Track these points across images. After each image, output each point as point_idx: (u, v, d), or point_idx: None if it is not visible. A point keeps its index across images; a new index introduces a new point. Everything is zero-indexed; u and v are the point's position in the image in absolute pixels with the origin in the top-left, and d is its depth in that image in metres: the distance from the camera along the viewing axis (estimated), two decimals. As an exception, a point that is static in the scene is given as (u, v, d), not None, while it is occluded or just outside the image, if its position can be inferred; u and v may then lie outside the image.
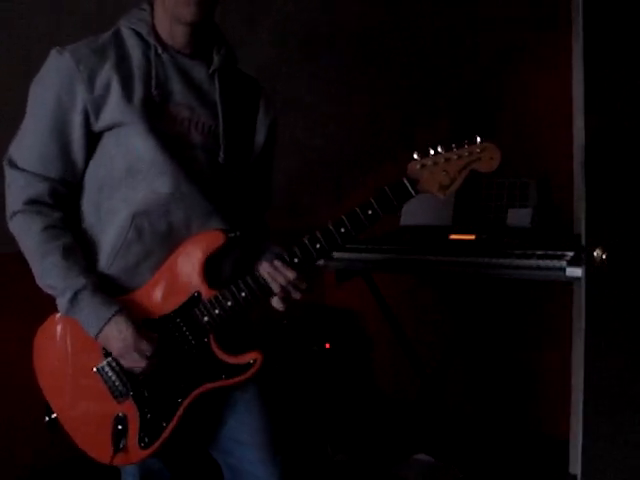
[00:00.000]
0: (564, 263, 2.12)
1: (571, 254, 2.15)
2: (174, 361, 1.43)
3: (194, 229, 1.45)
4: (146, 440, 1.42)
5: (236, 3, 2.16)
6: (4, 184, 1.43)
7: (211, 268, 1.44)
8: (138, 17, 1.46)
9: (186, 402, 1.43)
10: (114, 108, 1.38)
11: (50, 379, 1.48)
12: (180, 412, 1.43)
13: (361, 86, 2.85)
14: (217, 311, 1.42)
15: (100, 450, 1.44)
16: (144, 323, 1.41)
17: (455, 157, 1.37)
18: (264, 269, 1.41)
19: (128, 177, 1.41)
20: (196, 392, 1.43)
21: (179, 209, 1.43)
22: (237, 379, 1.44)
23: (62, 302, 1.38)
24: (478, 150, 1.37)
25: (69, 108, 1.38)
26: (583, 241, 1.81)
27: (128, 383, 1.42)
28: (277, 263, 1.41)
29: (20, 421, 2.40)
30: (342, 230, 1.40)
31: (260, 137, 1.58)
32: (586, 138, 1.85)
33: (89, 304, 1.37)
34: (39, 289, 1.41)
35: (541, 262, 2.19)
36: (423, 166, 1.38)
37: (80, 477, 2.14)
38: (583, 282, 1.85)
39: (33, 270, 1.41)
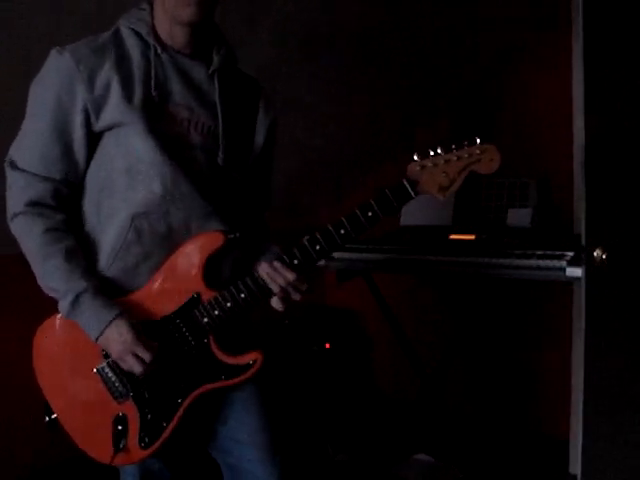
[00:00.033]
0: (564, 263, 2.12)
1: (571, 254, 2.15)
2: (174, 362, 1.43)
3: (193, 230, 1.45)
4: (146, 440, 1.43)
5: (236, 3, 2.16)
6: (4, 185, 1.43)
7: (211, 269, 1.44)
8: (138, 17, 1.46)
9: (186, 402, 1.43)
10: (114, 108, 1.38)
11: (50, 379, 1.48)
12: (180, 412, 1.43)
13: (361, 86, 2.85)
14: (217, 312, 1.42)
15: (100, 450, 1.45)
16: (144, 324, 1.41)
17: (455, 158, 1.37)
18: (263, 270, 1.41)
19: (128, 177, 1.41)
20: (196, 392, 1.43)
21: (178, 210, 1.43)
22: (237, 379, 1.44)
23: (64, 305, 1.39)
24: (478, 151, 1.37)
25: (69, 108, 1.38)
26: (583, 241, 1.81)
27: (128, 384, 1.42)
28: (276, 264, 1.41)
29: (20, 421, 2.40)
30: (342, 232, 1.40)
31: (260, 137, 1.58)
32: (586, 138, 1.85)
33: (90, 307, 1.37)
34: (40, 290, 1.41)
35: (541, 262, 2.19)
36: (423, 167, 1.38)
37: (80, 477, 2.14)
38: (583, 282, 1.85)
39: (35, 272, 1.41)
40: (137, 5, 1.49)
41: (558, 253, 2.19)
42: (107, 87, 1.39)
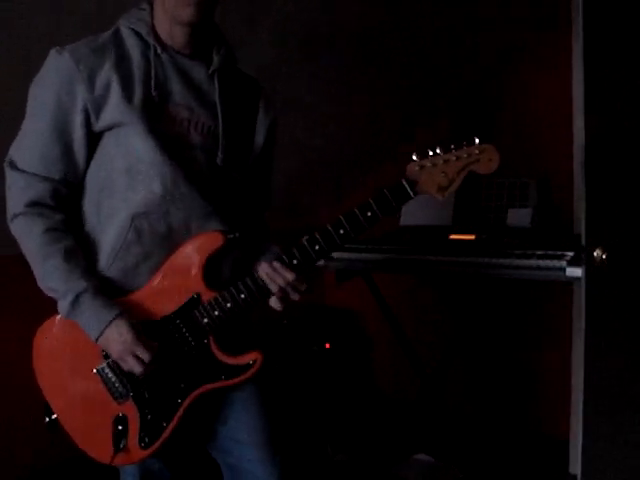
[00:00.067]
0: (564, 263, 2.12)
1: (571, 254, 2.15)
2: (174, 362, 1.43)
3: (193, 230, 1.45)
4: (146, 440, 1.43)
5: (236, 3, 2.16)
6: (4, 186, 1.43)
7: (210, 269, 1.45)
8: (138, 17, 1.46)
9: (186, 403, 1.43)
10: (114, 108, 1.38)
11: (50, 380, 1.48)
12: (180, 412, 1.43)
13: (361, 86, 2.85)
14: (216, 312, 1.42)
15: (100, 450, 1.45)
16: (144, 324, 1.41)
17: (454, 158, 1.37)
18: (263, 270, 1.41)
19: (128, 178, 1.41)
20: (196, 393, 1.43)
21: (178, 210, 1.43)
22: (237, 380, 1.44)
23: (63, 305, 1.39)
24: (477, 151, 1.37)
25: (69, 108, 1.38)
26: (583, 241, 1.81)
27: (128, 384, 1.42)
28: (276, 264, 1.41)
29: (20, 421, 2.40)
30: (341, 231, 1.40)
31: (260, 137, 1.58)
32: (586, 138, 1.85)
33: (90, 307, 1.37)
34: (40, 290, 1.41)
35: (541, 262, 2.19)
36: (422, 167, 1.38)
37: (80, 477, 2.14)
38: (583, 282, 1.85)
39: (34, 272, 1.41)
40: (137, 5, 1.49)
41: (558, 253, 2.19)
42: (107, 87, 1.39)
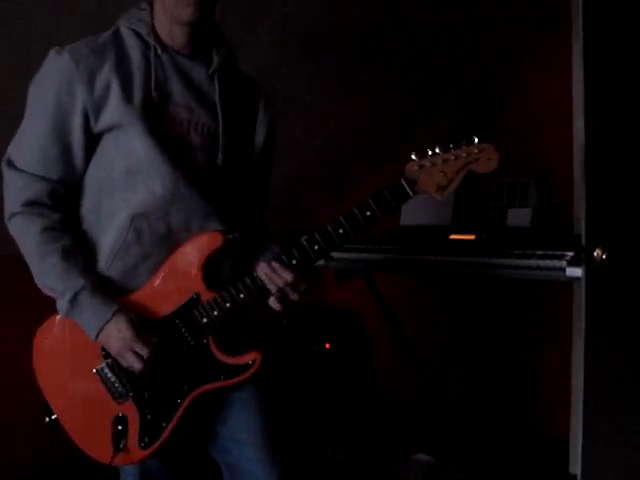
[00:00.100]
0: (564, 263, 2.12)
1: (571, 254, 2.15)
2: (173, 362, 1.43)
3: (193, 230, 1.45)
4: (146, 440, 1.43)
5: (236, 3, 2.16)
6: (3, 185, 1.43)
7: (210, 269, 1.45)
8: (138, 17, 1.46)
9: (185, 402, 1.43)
10: (114, 110, 1.38)
11: (50, 380, 1.48)
12: (180, 412, 1.43)
13: (361, 86, 2.85)
14: (216, 313, 1.42)
15: (100, 450, 1.45)
16: (143, 324, 1.41)
17: (453, 158, 1.37)
18: (261, 270, 1.41)
19: (128, 179, 1.41)
20: (195, 393, 1.43)
21: (178, 211, 1.43)
22: (236, 380, 1.44)
23: (62, 304, 1.39)
24: (476, 151, 1.37)
25: (69, 109, 1.38)
26: (583, 241, 1.81)
27: (128, 384, 1.42)
28: (274, 265, 1.40)
29: (20, 421, 2.40)
30: (340, 231, 1.40)
31: (260, 137, 1.58)
32: (586, 138, 1.85)
33: (89, 305, 1.37)
34: (39, 290, 1.42)
35: (541, 262, 2.19)
36: (421, 167, 1.38)
37: (80, 477, 2.14)
38: (583, 282, 1.85)
39: (32, 271, 1.41)
40: (137, 5, 1.49)
41: (558, 253, 2.18)
42: (107, 88, 1.38)
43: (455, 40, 2.77)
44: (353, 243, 2.45)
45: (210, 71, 1.49)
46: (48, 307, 1.43)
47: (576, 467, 2.16)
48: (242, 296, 1.42)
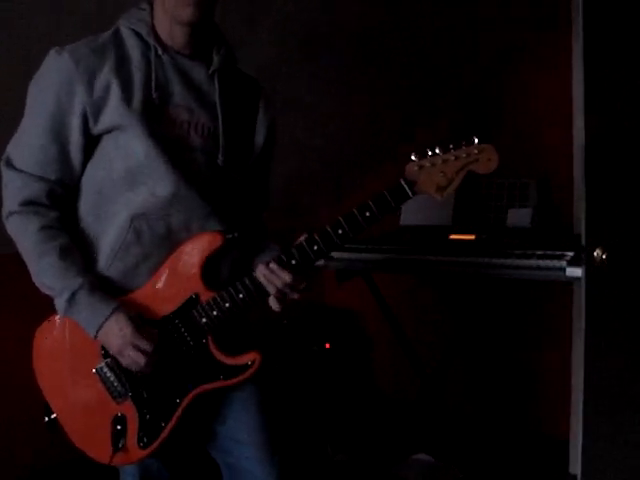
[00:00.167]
0: (564, 263, 2.12)
1: (571, 254, 2.15)
2: (173, 362, 1.43)
3: (193, 231, 1.45)
4: (145, 440, 1.43)
5: (236, 3, 2.16)
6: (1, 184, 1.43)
7: (209, 269, 1.44)
8: (138, 17, 1.46)
9: (184, 403, 1.43)
10: (113, 111, 1.38)
11: (50, 379, 1.48)
12: (179, 412, 1.43)
13: (361, 86, 2.85)
14: (215, 313, 1.42)
15: (99, 450, 1.45)
16: (143, 322, 1.41)
17: (452, 158, 1.37)
18: (260, 271, 1.41)
19: (127, 180, 1.41)
20: (194, 393, 1.43)
21: (178, 211, 1.43)
22: (235, 380, 1.44)
23: (60, 302, 1.39)
24: (476, 151, 1.37)
25: (68, 110, 1.38)
26: (583, 241, 1.81)
27: (127, 384, 1.42)
28: (273, 266, 1.40)
29: (20, 421, 2.40)
30: (340, 232, 1.39)
31: (260, 137, 1.58)
32: (586, 138, 1.85)
33: (87, 303, 1.37)
34: (38, 289, 1.42)
35: (541, 262, 2.19)
36: (421, 167, 1.38)
37: (80, 477, 2.14)
38: (583, 282, 1.85)
39: (30, 270, 1.41)
40: (137, 5, 1.49)
41: (558, 253, 2.18)
42: (107, 89, 1.38)
43: (455, 40, 2.77)
44: (353, 243, 2.46)
45: (210, 71, 1.49)
46: (47, 306, 1.43)
47: (576, 467, 2.16)
48: (241, 296, 1.42)
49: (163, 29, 1.45)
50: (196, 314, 1.43)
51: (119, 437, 1.42)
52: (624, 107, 1.95)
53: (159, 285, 1.44)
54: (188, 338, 1.43)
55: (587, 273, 1.83)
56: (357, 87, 2.85)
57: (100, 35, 1.44)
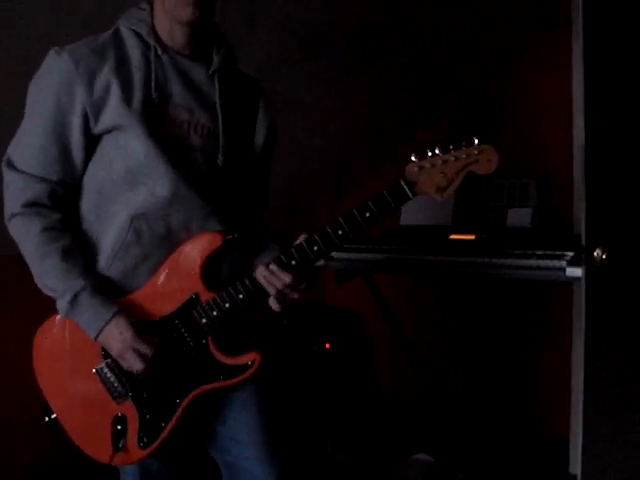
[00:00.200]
0: (564, 263, 2.12)
1: (571, 254, 2.15)
2: (173, 362, 1.43)
3: (193, 231, 1.45)
4: (145, 440, 1.43)
5: (236, 3, 2.16)
6: (2, 185, 1.43)
7: (209, 270, 1.45)
8: (138, 17, 1.46)
9: (184, 403, 1.43)
10: (113, 111, 1.38)
11: (50, 379, 1.48)
12: (179, 412, 1.43)
13: (361, 86, 2.85)
14: (215, 313, 1.42)
15: (99, 450, 1.45)
16: (143, 324, 1.41)
17: (452, 159, 1.37)
18: (260, 272, 1.41)
19: (127, 179, 1.41)
20: (194, 393, 1.43)
21: (178, 211, 1.43)
22: (235, 380, 1.44)
23: (62, 304, 1.39)
24: (476, 152, 1.37)
25: (68, 110, 1.38)
26: (583, 241, 1.81)
27: (127, 384, 1.42)
28: (272, 267, 1.40)
29: (20, 421, 2.40)
30: (340, 232, 1.39)
31: (260, 137, 1.58)
32: (586, 138, 1.85)
33: (89, 306, 1.37)
34: (39, 290, 1.42)
35: (541, 262, 2.19)
36: (421, 168, 1.38)
37: (80, 477, 2.14)
38: (583, 282, 1.85)
39: (32, 272, 1.41)
40: (137, 5, 1.49)
41: (558, 253, 2.18)
42: (107, 89, 1.38)
43: (455, 40, 2.77)
44: (353, 243, 2.45)
45: (210, 71, 1.49)
46: (48, 307, 1.43)
47: (576, 467, 2.16)
48: (241, 297, 1.42)
49: (163, 29, 1.45)
50: (196, 314, 1.43)
51: (119, 437, 1.42)
52: (624, 107, 1.95)
53: (159, 285, 1.44)
54: (188, 338, 1.43)
55: (587, 273, 1.83)
56: (357, 87, 2.85)
57: (100, 35, 1.44)
